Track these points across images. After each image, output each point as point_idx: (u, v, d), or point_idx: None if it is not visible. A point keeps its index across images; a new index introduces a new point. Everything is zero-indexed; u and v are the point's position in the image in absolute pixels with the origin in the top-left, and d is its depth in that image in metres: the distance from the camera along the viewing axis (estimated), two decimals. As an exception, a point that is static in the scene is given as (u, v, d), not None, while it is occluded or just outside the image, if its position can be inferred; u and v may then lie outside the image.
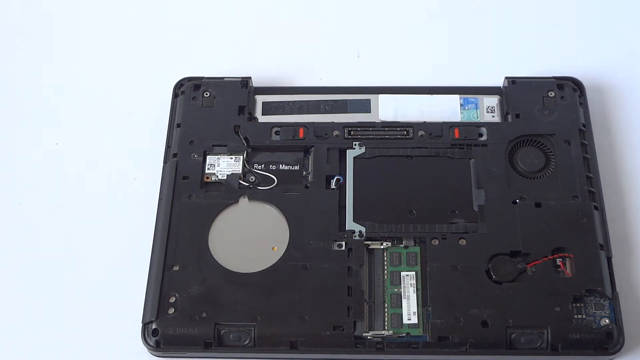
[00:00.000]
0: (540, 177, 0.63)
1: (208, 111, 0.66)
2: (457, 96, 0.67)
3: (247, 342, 0.56)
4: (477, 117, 0.66)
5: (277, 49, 0.74)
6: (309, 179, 0.63)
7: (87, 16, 0.77)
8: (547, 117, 0.65)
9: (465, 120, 0.66)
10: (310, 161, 0.64)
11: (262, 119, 0.67)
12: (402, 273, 0.59)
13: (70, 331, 0.60)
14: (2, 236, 0.64)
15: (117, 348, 0.59)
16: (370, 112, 0.67)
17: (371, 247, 0.60)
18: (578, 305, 0.57)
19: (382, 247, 0.60)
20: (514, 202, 0.61)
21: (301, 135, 0.65)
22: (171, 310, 0.57)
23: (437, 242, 0.59)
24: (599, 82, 0.70)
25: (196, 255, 0.59)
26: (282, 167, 0.64)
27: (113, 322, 0.59)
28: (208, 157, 0.64)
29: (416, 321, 0.57)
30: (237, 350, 0.56)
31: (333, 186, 0.62)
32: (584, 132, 0.64)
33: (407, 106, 0.66)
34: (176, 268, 0.58)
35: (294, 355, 0.56)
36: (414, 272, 0.59)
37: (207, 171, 0.63)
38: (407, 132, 0.65)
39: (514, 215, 0.60)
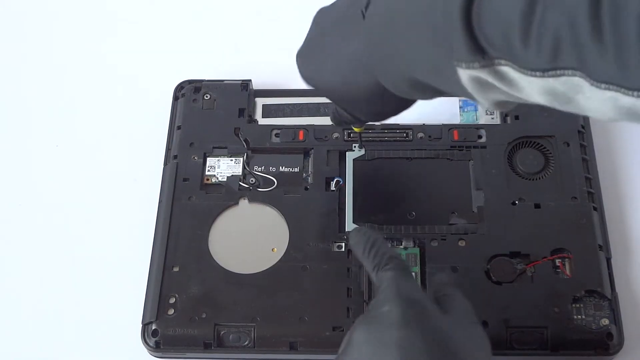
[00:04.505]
0: (539, 178, 0.63)
1: (208, 113, 0.66)
2: (456, 98, 0.67)
3: (246, 342, 0.56)
4: (477, 119, 0.66)
5: (277, 51, 0.74)
6: (309, 180, 0.63)
7: (88, 18, 0.77)
8: (546, 119, 0.64)
9: (464, 122, 0.66)
10: (310, 163, 0.64)
11: (262, 121, 0.67)
12: (402, 274, 0.59)
13: (70, 331, 0.60)
14: (2, 237, 0.65)
15: (117, 348, 0.59)
16: (369, 114, 0.67)
17: (371, 248, 0.60)
18: (577, 305, 0.57)
19: (381, 248, 0.60)
20: (513, 204, 0.61)
21: (301, 137, 0.65)
22: (171, 311, 0.57)
23: (436, 243, 0.59)
24: (598, 84, 0.70)
25: (196, 256, 0.59)
26: (282, 169, 0.64)
27: (113, 323, 0.60)
28: (208, 159, 0.64)
29: (416, 322, 0.57)
30: (236, 350, 0.56)
31: (333, 188, 0.62)
32: (583, 133, 0.64)
33: (406, 108, 0.66)
34: (176, 269, 0.59)
35: (294, 355, 0.56)
36: (413, 273, 0.59)
37: (207, 173, 0.64)
38: (407, 134, 0.65)
39: (513, 217, 0.60)
